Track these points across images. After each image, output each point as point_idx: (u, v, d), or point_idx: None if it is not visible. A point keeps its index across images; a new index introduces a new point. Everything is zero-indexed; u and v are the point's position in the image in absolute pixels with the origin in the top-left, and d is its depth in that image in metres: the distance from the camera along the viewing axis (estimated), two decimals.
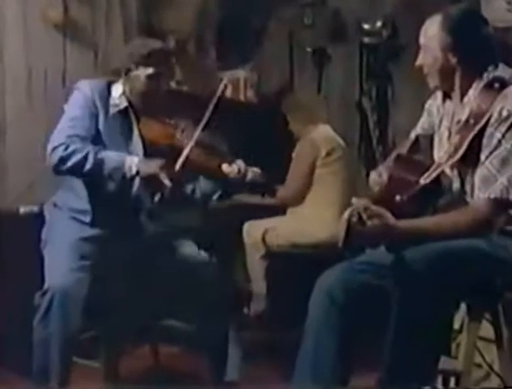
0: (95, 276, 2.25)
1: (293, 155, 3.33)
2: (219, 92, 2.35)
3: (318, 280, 1.94)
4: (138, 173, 2.21)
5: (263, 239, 3.26)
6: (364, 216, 1.72)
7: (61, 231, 2.31)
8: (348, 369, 1.90)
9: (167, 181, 2.17)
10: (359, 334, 1.89)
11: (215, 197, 2.42)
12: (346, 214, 1.74)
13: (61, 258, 2.22)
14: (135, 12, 3.67)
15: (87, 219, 2.32)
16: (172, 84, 3.29)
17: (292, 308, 2.47)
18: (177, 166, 2.22)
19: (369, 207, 1.76)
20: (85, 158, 2.19)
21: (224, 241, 3.13)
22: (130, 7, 3.65)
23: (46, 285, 2.17)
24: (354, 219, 1.71)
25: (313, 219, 3.23)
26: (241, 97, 3.93)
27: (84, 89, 2.33)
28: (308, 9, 4.01)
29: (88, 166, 2.19)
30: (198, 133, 2.27)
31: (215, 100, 2.32)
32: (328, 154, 3.26)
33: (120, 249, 2.34)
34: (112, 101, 2.34)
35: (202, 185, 2.44)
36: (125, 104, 2.35)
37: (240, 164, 2.30)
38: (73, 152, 2.19)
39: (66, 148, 2.20)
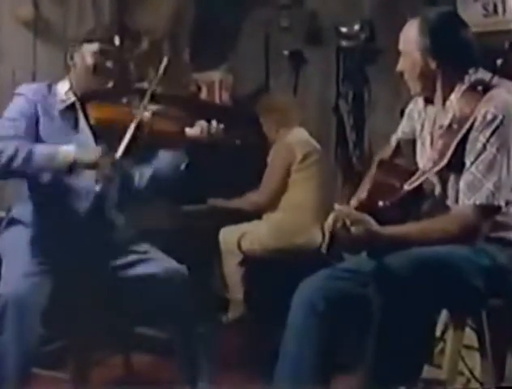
0: (57, 282, 2.15)
1: (268, 159, 3.29)
2: (164, 62, 2.30)
3: (298, 288, 1.91)
4: (75, 162, 2.13)
5: (239, 245, 3.22)
6: (348, 222, 1.68)
7: (18, 238, 2.23)
8: (328, 376, 1.88)
9: (107, 171, 2.12)
10: (340, 341, 1.86)
11: (182, 167, 2.37)
12: (330, 220, 1.71)
13: (16, 264, 2.13)
14: (108, 12, 3.60)
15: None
16: (145, 85, 3.25)
17: (270, 314, 2.43)
18: (119, 153, 2.14)
19: (352, 213, 1.73)
20: (15, 153, 2.11)
21: (198, 247, 3.07)
22: (103, 7, 3.57)
23: None
24: (338, 225, 1.68)
25: (289, 224, 3.20)
26: (216, 100, 3.88)
27: (26, 93, 2.30)
28: (285, 11, 3.98)
29: (19, 160, 2.11)
30: (146, 101, 2.24)
31: (160, 71, 2.29)
32: (304, 158, 3.23)
33: (83, 255, 2.25)
34: (59, 98, 2.32)
35: (165, 158, 2.38)
36: (72, 98, 2.33)
37: (202, 123, 2.29)
38: (2, 151, 2.11)
39: None
